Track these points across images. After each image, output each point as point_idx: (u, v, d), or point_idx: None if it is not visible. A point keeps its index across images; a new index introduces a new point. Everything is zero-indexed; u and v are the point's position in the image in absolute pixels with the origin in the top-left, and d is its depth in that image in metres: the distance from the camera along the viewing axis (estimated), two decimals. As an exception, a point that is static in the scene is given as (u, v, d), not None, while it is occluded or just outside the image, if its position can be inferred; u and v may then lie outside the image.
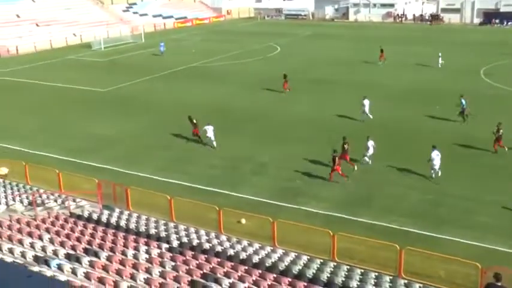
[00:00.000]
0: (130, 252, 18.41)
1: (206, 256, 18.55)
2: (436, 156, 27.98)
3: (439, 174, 28.16)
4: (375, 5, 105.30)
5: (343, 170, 28.18)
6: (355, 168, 29.34)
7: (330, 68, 57.65)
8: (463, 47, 69.79)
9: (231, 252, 19.71)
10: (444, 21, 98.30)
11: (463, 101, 36.82)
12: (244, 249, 20.45)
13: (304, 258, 19.83)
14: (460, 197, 26.11)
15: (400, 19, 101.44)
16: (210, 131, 34.12)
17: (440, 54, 56.37)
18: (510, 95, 44.35)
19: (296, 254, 20.13)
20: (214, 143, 34.02)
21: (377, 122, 37.37)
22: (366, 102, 38.10)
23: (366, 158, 30.42)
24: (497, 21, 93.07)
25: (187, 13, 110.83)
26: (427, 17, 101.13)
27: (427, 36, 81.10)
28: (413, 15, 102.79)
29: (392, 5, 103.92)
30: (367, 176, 28.90)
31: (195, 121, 34.93)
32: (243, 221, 23.53)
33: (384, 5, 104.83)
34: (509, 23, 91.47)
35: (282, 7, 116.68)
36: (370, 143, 30.12)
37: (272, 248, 20.92)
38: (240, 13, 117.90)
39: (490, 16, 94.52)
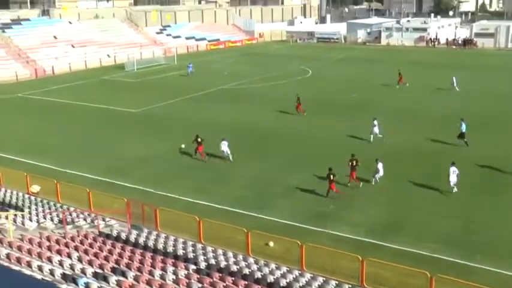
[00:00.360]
0: (157, 272, 18.36)
1: (233, 279, 18.39)
2: (452, 173, 28.97)
3: (455, 190, 29.02)
4: (407, 29, 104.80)
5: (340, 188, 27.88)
6: (360, 185, 30.27)
7: (360, 92, 57.33)
8: (498, 72, 68.88)
9: (258, 275, 19.50)
10: (478, 45, 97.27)
11: (463, 124, 36.93)
12: (271, 273, 20.22)
13: (332, 283, 19.50)
14: (494, 225, 25.51)
15: (432, 43, 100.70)
16: (224, 146, 35.47)
17: (454, 79, 56.51)
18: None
19: (324, 279, 19.80)
20: (231, 157, 35.36)
21: (410, 146, 36.97)
22: (375, 123, 38.80)
23: (377, 179, 30.83)
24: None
25: (220, 35, 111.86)
26: (460, 42, 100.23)
27: (459, 61, 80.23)
28: (446, 39, 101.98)
29: (425, 29, 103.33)
30: (397, 202, 28.52)
31: (199, 140, 35.72)
32: (271, 243, 23.34)
33: (416, 29, 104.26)
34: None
35: (314, 30, 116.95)
36: (380, 165, 30.51)
37: (300, 272, 20.64)
38: (272, 36, 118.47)
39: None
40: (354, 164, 30.59)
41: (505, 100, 51.23)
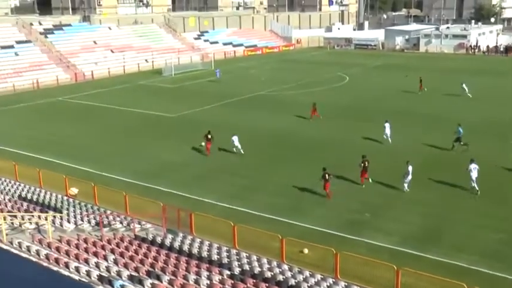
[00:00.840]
0: (192, 277, 18.47)
1: (267, 285, 18.40)
2: (473, 169, 29.98)
3: (476, 187, 29.77)
4: (446, 35, 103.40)
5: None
6: (370, 180, 31.72)
7: (397, 99, 56.85)
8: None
9: (292, 282, 19.45)
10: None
11: (460, 130, 38.06)
12: (305, 280, 20.15)
13: (367, 292, 19.37)
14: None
15: (472, 50, 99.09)
16: (236, 141, 38.19)
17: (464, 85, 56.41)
18: None
19: (358, 288, 19.70)
20: (242, 151, 38.00)
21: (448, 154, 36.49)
22: (387, 125, 40.01)
23: (405, 185, 30.46)
24: None
25: (257, 41, 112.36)
26: (501, 49, 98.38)
27: (499, 68, 78.76)
28: (487, 46, 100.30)
29: (465, 36, 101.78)
30: (435, 211, 28.12)
31: (209, 136, 37.72)
32: (306, 251, 23.25)
33: (456, 36, 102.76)
34: None
35: (351, 37, 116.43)
36: (410, 168, 30.19)
37: (334, 280, 20.53)
38: (310, 42, 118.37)
39: None
40: (366, 164, 31.84)
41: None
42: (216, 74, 72.40)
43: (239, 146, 38.05)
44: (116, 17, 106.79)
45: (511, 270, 21.99)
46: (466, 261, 22.82)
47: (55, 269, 17.64)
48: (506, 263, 22.63)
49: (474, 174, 29.96)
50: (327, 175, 29.96)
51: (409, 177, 30.40)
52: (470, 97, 55.33)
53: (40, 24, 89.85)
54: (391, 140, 39.53)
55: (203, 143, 38.98)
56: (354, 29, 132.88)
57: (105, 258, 20.28)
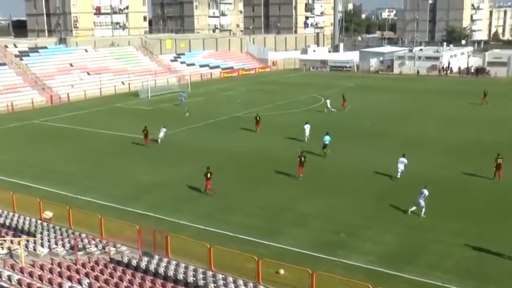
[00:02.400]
0: (167, 300, 18.30)
1: (243, 307, 18.28)
2: (400, 162, 35.58)
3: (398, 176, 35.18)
4: (420, 57, 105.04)
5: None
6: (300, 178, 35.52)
7: (371, 120, 57.47)
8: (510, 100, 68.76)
9: (268, 303, 19.38)
10: (490, 74, 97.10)
11: (327, 138, 42.51)
12: (282, 301, 20.10)
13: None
14: (507, 256, 25.18)
15: (445, 72, 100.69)
16: (162, 132, 47.52)
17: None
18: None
19: (335, 308, 19.66)
20: (159, 140, 47.20)
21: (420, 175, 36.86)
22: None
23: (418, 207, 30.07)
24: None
25: (233, 63, 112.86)
26: (472, 70, 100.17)
27: (470, 89, 79.95)
28: (459, 68, 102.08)
29: (437, 58, 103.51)
30: (411, 231, 28.32)
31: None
32: (282, 271, 23.17)
33: (428, 58, 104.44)
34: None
35: (327, 59, 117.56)
36: (425, 192, 29.89)
37: (310, 301, 20.51)
38: (286, 64, 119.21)
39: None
40: (303, 159, 36.65)
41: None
42: (180, 98, 71.35)
43: (162, 137, 47.68)
44: (92, 39, 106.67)
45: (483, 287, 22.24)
46: (440, 279, 22.99)
47: (27, 294, 17.37)
48: (477, 280, 22.89)
49: (400, 167, 35.28)
50: (209, 174, 33.63)
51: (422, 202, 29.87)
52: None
53: (15, 46, 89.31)
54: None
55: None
56: (329, 51, 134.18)
57: (80, 282, 20.01)
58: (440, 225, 28.98)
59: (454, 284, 22.56)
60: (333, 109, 61.99)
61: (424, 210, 29.83)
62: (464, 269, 24.14)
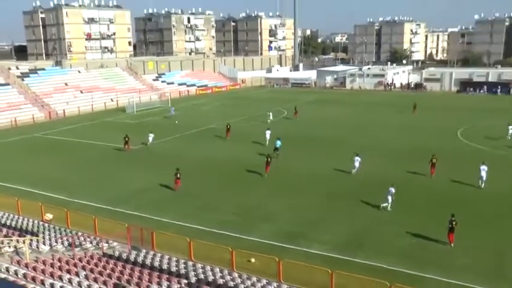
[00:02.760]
0: (154, 287, 18.37)
1: (220, 291, 18.45)
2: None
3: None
4: (368, 75, 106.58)
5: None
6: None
7: (327, 129, 58.15)
8: (443, 112, 70.24)
9: (242, 287, 19.59)
10: (427, 89, 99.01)
11: (278, 142, 44.68)
12: (253, 285, 20.34)
13: (305, 293, 19.64)
14: (441, 241, 25.86)
15: (389, 87, 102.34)
16: (151, 138, 50.43)
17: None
18: (480, 151, 44.34)
19: (298, 289, 19.97)
20: (149, 144, 49.80)
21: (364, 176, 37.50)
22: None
23: (387, 204, 30.56)
24: (471, 89, 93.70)
25: (207, 82, 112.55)
26: (412, 86, 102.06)
27: (411, 102, 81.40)
28: (401, 83, 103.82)
29: (382, 75, 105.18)
30: (362, 223, 28.83)
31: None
32: (253, 260, 23.44)
33: (375, 75, 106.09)
34: (481, 91, 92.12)
35: (288, 77, 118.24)
36: (392, 190, 30.53)
37: (278, 284, 20.78)
38: (253, 82, 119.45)
39: (465, 85, 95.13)
40: (269, 160, 38.31)
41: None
42: (170, 111, 72.11)
43: (151, 141, 49.68)
44: (84, 62, 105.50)
45: (423, 268, 22.87)
46: (387, 262, 23.51)
47: (32, 286, 17.29)
48: (419, 262, 23.47)
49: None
50: (178, 174, 35.18)
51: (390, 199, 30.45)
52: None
53: (17, 68, 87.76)
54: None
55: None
56: (291, 70, 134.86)
57: (77, 274, 19.95)
58: (386, 216, 29.60)
59: (398, 267, 23.14)
60: (271, 118, 63.34)
61: (390, 205, 30.45)
62: (407, 253, 24.73)
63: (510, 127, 49.67)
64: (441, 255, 24.43)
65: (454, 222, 25.33)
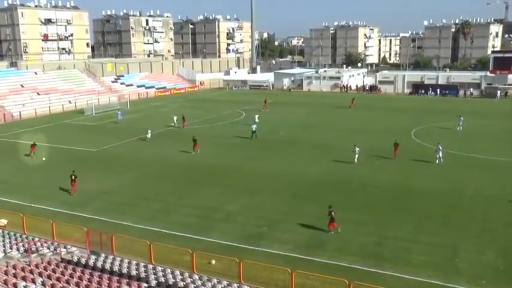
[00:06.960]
0: (113, 292, 17.78)
1: (181, 294, 18.02)
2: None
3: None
4: (324, 77, 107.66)
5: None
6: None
7: (284, 130, 58.24)
8: (397, 113, 71.58)
9: (203, 290, 19.21)
10: (381, 91, 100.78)
11: (254, 126, 52.11)
12: (214, 287, 19.99)
13: (267, 294, 19.42)
14: (400, 239, 26.15)
15: (345, 89, 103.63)
16: (149, 134, 52.10)
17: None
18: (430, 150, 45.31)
19: (260, 291, 19.73)
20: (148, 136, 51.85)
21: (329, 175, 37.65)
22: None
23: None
24: (422, 91, 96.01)
25: (166, 84, 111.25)
26: (367, 88, 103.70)
27: (367, 103, 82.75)
28: (356, 85, 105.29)
29: (338, 78, 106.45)
30: (322, 223, 28.84)
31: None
32: (213, 262, 23.09)
33: (331, 78, 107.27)
34: (431, 93, 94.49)
35: (247, 79, 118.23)
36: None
37: (238, 285, 20.48)
38: (211, 84, 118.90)
39: (417, 87, 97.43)
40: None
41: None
42: (117, 116, 69.16)
43: (149, 136, 51.02)
44: (41, 63, 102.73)
45: (382, 266, 23.03)
46: (347, 261, 23.57)
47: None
48: (378, 260, 23.61)
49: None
50: (73, 176, 35.01)
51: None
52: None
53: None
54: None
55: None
56: (249, 73, 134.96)
57: (33, 281, 19.10)
58: (345, 216, 29.72)
59: (358, 264, 23.23)
60: (175, 122, 62.00)
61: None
62: (367, 251, 24.87)
63: (461, 118, 56.34)
64: (397, 250, 24.71)
65: (332, 213, 26.78)
